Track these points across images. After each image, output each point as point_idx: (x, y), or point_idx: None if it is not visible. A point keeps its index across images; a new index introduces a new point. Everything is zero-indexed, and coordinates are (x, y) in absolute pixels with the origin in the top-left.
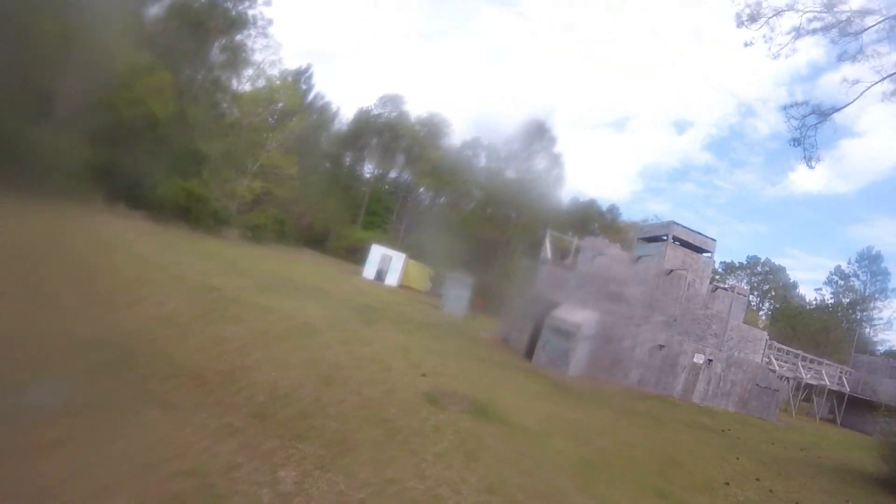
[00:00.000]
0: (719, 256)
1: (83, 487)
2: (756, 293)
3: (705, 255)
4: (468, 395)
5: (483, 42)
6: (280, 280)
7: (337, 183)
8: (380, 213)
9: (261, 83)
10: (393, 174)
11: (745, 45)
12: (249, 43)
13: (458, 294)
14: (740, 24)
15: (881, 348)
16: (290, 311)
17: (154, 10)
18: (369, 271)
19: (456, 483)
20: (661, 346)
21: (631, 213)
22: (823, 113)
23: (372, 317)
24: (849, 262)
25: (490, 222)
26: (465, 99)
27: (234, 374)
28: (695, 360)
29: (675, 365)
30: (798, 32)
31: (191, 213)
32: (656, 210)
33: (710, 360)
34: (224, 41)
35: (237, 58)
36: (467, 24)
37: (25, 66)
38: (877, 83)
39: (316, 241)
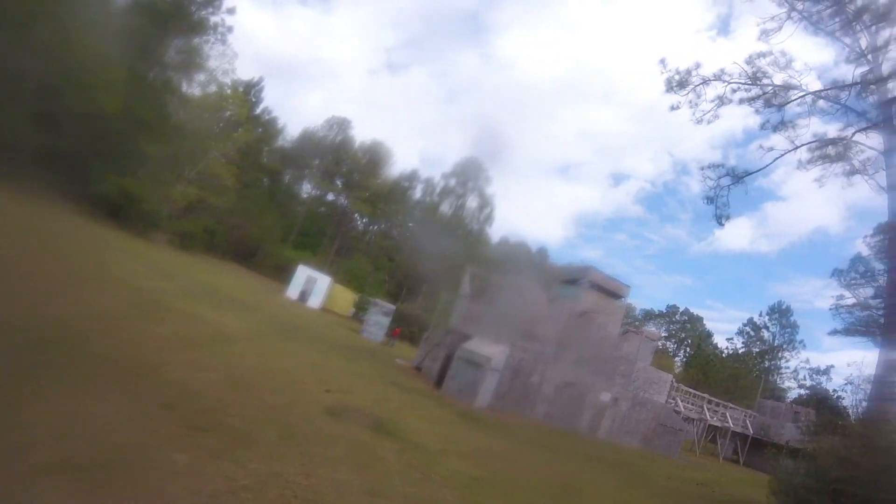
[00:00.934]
0: (644, 304)
1: (3, 445)
2: (673, 340)
3: (619, 300)
4: (371, 413)
5: (444, 78)
6: (204, 289)
7: (273, 199)
8: (313, 235)
9: (211, 89)
10: (330, 197)
11: (672, 108)
12: (206, 48)
13: (378, 321)
14: (669, 89)
15: (790, 395)
16: (210, 320)
17: (121, 1)
18: (293, 291)
19: (340, 484)
20: (569, 384)
21: (562, 258)
22: (736, 176)
23: (289, 334)
24: (760, 315)
25: (418, 254)
26: (414, 132)
27: (149, 370)
28: (601, 398)
29: (581, 402)
30: (721, 101)
31: (122, 211)
32: (588, 256)
33: (617, 399)
34: (182, 43)
35: (192, 61)
36: (432, 60)
37: None
38: (788, 151)
39: (245, 255)
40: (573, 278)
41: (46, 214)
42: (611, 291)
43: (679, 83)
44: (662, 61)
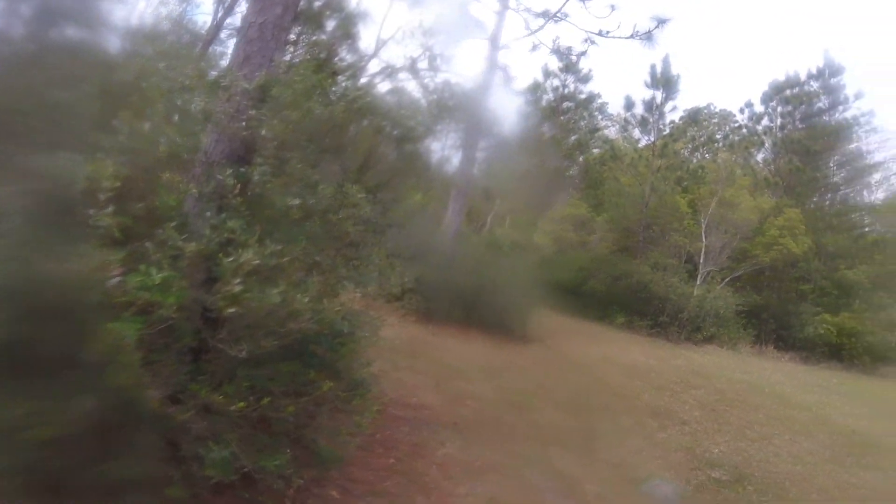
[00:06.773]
0: None
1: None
2: None
3: None
4: None
5: None
6: None
7: None
8: None
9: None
10: None
11: None
12: (864, 147)
13: None
14: None
15: None
16: None
17: (762, 154)
18: None
19: None
20: None
21: None
22: None
23: None
24: None
25: None
26: None
27: None
28: None
29: None
30: None
31: (843, 350)
32: None
33: None
34: (838, 157)
35: (859, 169)
36: None
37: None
38: None
39: None
40: None
41: (762, 366)
42: None
43: None
44: None
